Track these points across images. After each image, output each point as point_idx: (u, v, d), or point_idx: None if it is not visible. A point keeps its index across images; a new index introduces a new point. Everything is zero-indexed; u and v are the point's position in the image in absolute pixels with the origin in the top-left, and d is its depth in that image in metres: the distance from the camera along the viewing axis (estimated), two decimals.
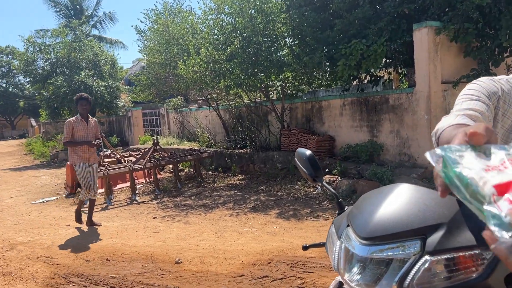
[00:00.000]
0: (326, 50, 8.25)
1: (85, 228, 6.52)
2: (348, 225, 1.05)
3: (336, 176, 7.67)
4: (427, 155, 0.77)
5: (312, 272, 4.00)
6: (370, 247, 0.93)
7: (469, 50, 6.90)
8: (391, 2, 7.50)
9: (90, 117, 6.48)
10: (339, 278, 1.13)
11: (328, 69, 8.90)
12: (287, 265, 4.26)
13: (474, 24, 6.58)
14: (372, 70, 8.44)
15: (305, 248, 1.47)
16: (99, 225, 6.58)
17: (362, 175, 7.46)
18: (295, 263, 4.27)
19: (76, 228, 6.58)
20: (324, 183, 1.42)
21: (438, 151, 0.76)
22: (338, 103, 9.07)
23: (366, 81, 9.44)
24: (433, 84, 7.04)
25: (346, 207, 1.28)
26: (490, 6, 6.38)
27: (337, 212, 1.29)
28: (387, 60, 8.74)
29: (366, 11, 7.62)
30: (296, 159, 1.52)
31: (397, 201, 0.98)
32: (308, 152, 1.45)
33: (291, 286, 3.74)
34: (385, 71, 9.45)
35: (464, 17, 6.57)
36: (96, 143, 6.28)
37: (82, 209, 6.83)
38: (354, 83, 9.77)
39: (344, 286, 1.07)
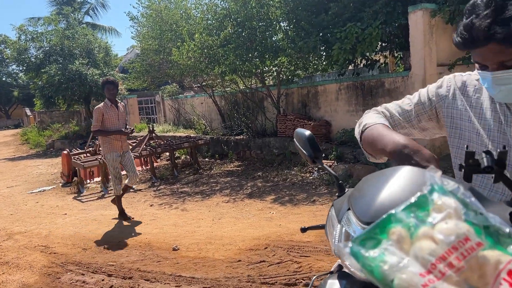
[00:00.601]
0: (321, 34, 8.16)
1: (82, 217, 6.53)
2: (349, 209, 1.01)
3: (333, 161, 7.68)
4: (336, 251, 0.65)
5: (309, 256, 4.02)
6: None
7: None
8: None
9: (119, 101, 6.10)
10: (339, 261, 1.11)
11: (323, 54, 8.83)
12: (283, 249, 4.29)
13: None
14: (367, 54, 8.38)
15: (303, 230, 1.44)
16: (132, 218, 6.16)
17: (358, 160, 7.47)
18: (292, 248, 4.29)
19: (73, 217, 6.58)
20: (324, 165, 1.38)
21: (346, 250, 0.64)
22: (334, 87, 9.03)
23: (362, 65, 9.39)
24: (429, 67, 7.01)
25: (347, 189, 1.24)
26: None
27: (337, 194, 1.24)
28: (383, 44, 8.68)
29: None
30: (295, 139, 1.48)
31: (400, 185, 0.93)
32: (308, 132, 1.40)
33: (288, 270, 3.76)
34: (381, 55, 9.39)
35: None
36: (128, 131, 5.96)
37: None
38: (350, 67, 9.71)
39: (343, 270, 1.05)
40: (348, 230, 0.96)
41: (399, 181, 0.94)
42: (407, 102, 1.49)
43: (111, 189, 8.42)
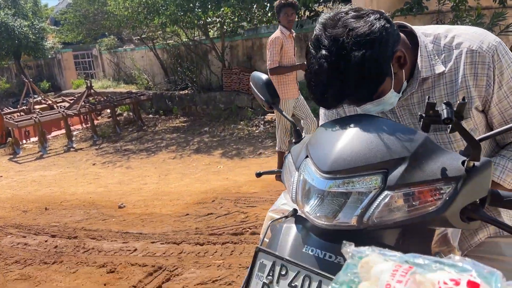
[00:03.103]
0: None
1: (19, 178, 6.22)
2: (306, 156, 1.01)
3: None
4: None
5: (255, 207, 4.14)
6: (329, 181, 0.91)
7: None
8: None
9: (293, 31, 4.80)
10: (294, 206, 1.11)
11: (267, 4, 8.67)
12: (231, 201, 4.37)
13: None
14: (310, 4, 8.31)
15: (258, 174, 1.42)
16: None
17: None
18: (239, 199, 4.39)
19: (10, 179, 6.26)
20: (283, 112, 1.35)
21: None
22: None
23: (305, 16, 9.33)
24: None
25: (304, 136, 1.23)
26: None
27: (293, 141, 1.23)
28: None
29: None
30: (251, 83, 1.42)
31: (359, 133, 0.93)
32: (265, 76, 1.36)
33: (235, 221, 3.86)
34: (324, 6, 9.35)
35: None
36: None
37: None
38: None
39: (298, 214, 1.06)
40: (306, 178, 0.97)
41: (357, 130, 0.95)
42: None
43: (50, 149, 8.05)
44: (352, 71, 0.99)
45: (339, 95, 1.04)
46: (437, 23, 7.13)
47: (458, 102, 0.83)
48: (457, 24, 6.60)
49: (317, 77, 1.03)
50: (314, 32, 1.06)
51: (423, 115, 0.86)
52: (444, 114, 0.81)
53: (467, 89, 1.15)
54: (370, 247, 0.68)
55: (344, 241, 0.69)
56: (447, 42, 1.18)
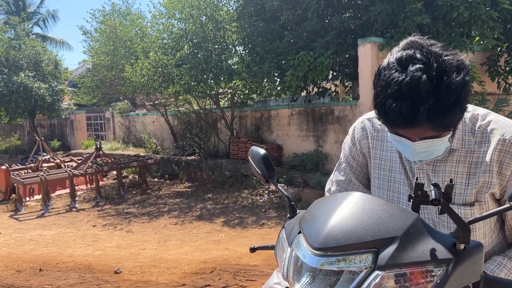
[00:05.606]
0: (275, 60, 8.37)
1: (17, 236, 6.12)
2: (299, 232, 1.01)
3: (283, 185, 7.76)
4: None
5: (255, 280, 3.99)
6: (320, 258, 0.90)
7: None
8: (338, 17, 7.76)
9: None
10: (286, 284, 1.08)
11: (277, 79, 9.04)
12: (230, 273, 4.23)
13: None
14: (318, 81, 8.65)
15: (252, 250, 1.40)
16: None
17: (307, 184, 7.60)
18: (238, 272, 4.25)
19: (7, 236, 6.16)
20: (278, 185, 1.36)
21: None
22: (286, 113, 9.21)
23: (314, 92, 9.67)
24: None
25: (298, 211, 1.23)
26: (429, 26, 6.77)
27: (288, 215, 1.23)
28: (334, 73, 9.01)
29: (314, 25, 7.83)
30: (249, 157, 1.45)
31: (351, 211, 0.94)
32: (262, 151, 1.39)
33: None
34: (332, 84, 9.72)
35: (405, 35, 6.91)
36: None
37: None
38: (303, 94, 9.98)
39: None
40: (298, 254, 0.96)
41: (350, 208, 0.95)
42: (345, 165, 1.46)
43: (52, 208, 8.00)
44: (452, 90, 0.96)
45: (431, 113, 0.97)
46: None
47: (446, 184, 0.84)
48: None
49: (410, 89, 0.96)
50: (395, 54, 1.04)
51: (412, 195, 0.87)
52: (432, 195, 0.82)
53: (489, 174, 1.15)
54: None
55: None
56: (482, 124, 1.18)
